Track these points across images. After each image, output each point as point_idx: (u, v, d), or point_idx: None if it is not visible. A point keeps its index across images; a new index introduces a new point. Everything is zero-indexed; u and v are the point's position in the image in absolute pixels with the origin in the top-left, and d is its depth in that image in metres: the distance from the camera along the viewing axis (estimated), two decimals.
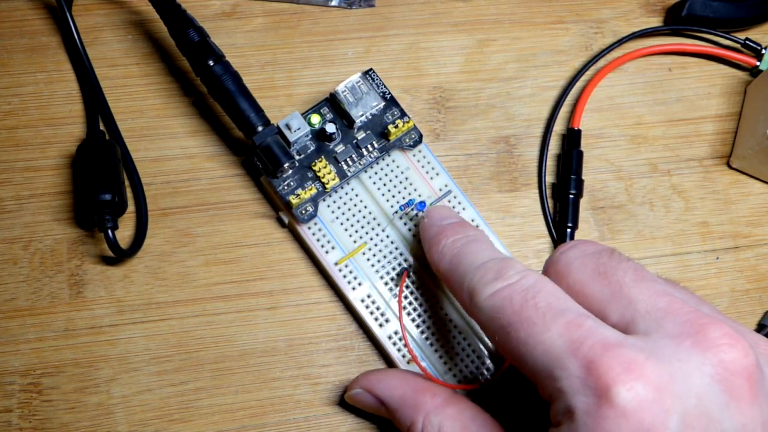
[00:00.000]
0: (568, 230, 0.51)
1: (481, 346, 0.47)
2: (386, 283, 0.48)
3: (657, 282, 0.36)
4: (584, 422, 0.32)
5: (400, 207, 0.49)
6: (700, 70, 0.56)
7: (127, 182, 0.50)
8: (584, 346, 0.33)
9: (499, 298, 0.37)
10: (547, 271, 0.39)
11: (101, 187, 0.47)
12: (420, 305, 0.47)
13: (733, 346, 0.33)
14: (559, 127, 0.54)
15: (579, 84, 0.55)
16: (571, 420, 0.33)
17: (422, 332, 0.47)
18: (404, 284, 0.48)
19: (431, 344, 0.47)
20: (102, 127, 0.51)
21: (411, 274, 0.48)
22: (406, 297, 0.47)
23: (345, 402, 0.46)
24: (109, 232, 0.46)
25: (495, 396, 0.46)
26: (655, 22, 0.57)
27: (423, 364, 0.46)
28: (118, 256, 0.47)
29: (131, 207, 0.50)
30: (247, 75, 0.49)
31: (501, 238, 0.50)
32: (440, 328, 0.47)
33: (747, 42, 0.55)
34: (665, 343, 0.33)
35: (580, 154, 0.52)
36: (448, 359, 0.46)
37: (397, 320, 0.47)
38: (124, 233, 0.49)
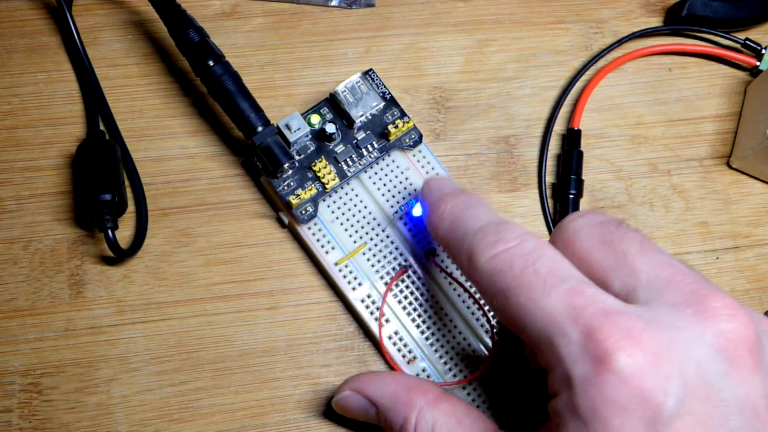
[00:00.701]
0: None
1: (481, 347, 0.47)
2: (386, 283, 0.48)
3: (662, 254, 0.36)
4: (583, 389, 0.32)
5: (399, 207, 0.49)
6: (700, 70, 0.56)
7: (127, 182, 0.50)
8: (584, 313, 0.33)
9: (499, 261, 0.36)
10: (554, 238, 0.39)
11: (101, 187, 0.47)
12: (420, 305, 0.47)
13: (735, 317, 0.33)
14: (559, 127, 0.54)
15: (579, 84, 0.55)
16: (569, 388, 0.33)
17: (422, 332, 0.47)
18: (397, 279, 0.48)
19: (431, 344, 0.47)
20: (102, 127, 0.51)
21: (411, 273, 0.48)
22: (406, 297, 0.47)
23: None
24: (109, 232, 0.46)
25: (487, 389, 0.46)
26: (655, 22, 0.57)
27: (423, 364, 0.46)
28: (118, 256, 0.47)
29: (131, 207, 0.50)
30: (247, 75, 0.49)
31: None
32: (440, 328, 0.47)
33: (747, 42, 0.55)
34: (666, 312, 0.33)
35: (580, 154, 0.52)
36: (448, 359, 0.47)
37: (397, 320, 0.47)
38: (124, 233, 0.49)
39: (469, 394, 0.46)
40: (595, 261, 0.37)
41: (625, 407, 0.31)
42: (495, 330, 0.47)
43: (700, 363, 0.32)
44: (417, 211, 0.48)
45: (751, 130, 0.52)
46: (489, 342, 0.47)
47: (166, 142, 0.52)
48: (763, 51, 0.55)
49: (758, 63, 0.55)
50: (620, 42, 0.55)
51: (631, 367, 0.31)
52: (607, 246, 0.37)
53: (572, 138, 0.53)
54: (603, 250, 0.37)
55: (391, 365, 0.46)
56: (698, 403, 0.31)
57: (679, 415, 0.31)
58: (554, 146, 0.54)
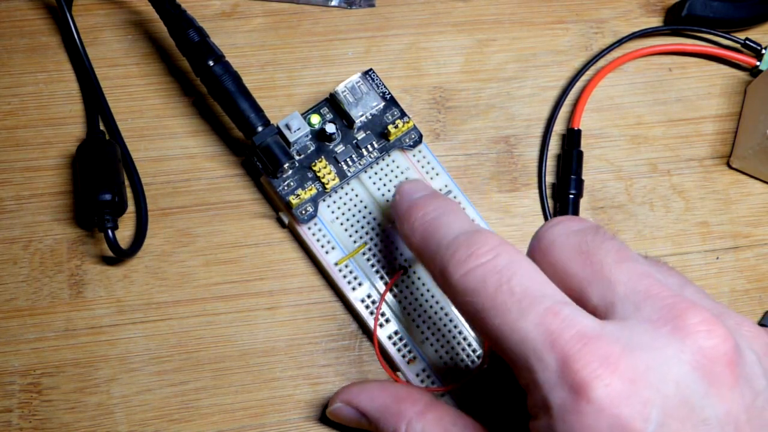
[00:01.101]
0: None
1: (481, 347, 0.47)
2: (386, 283, 0.48)
3: (639, 262, 0.35)
4: (561, 417, 0.32)
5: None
6: (700, 70, 0.56)
7: (127, 182, 0.50)
8: (561, 340, 0.32)
9: (472, 278, 0.35)
10: (531, 248, 0.38)
11: (101, 187, 0.47)
12: (420, 305, 0.47)
13: (713, 332, 0.32)
14: (559, 127, 0.54)
15: (579, 84, 0.55)
16: (548, 414, 0.32)
17: (422, 332, 0.47)
18: (396, 279, 0.48)
19: (431, 344, 0.47)
20: (102, 127, 0.51)
21: (411, 274, 0.48)
22: (406, 297, 0.47)
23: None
24: (109, 232, 0.46)
25: (476, 394, 0.46)
26: (655, 22, 0.57)
27: (423, 364, 0.46)
28: (118, 256, 0.47)
29: (131, 207, 0.50)
30: (247, 75, 0.49)
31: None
32: (440, 329, 0.47)
33: (747, 42, 0.55)
34: (643, 329, 0.33)
35: (580, 154, 0.52)
36: (448, 359, 0.46)
37: (397, 320, 0.47)
38: (124, 233, 0.49)
39: (466, 396, 0.46)
40: (572, 273, 0.36)
41: None
42: None
43: (679, 383, 0.32)
44: None
45: (751, 130, 0.52)
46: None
47: (166, 142, 0.52)
48: (763, 51, 0.55)
49: (758, 63, 0.55)
50: (620, 42, 0.55)
51: (609, 396, 0.31)
52: (584, 257, 0.36)
53: (572, 138, 0.53)
54: (579, 261, 0.36)
55: (384, 368, 0.45)
56: (679, 425, 0.31)
57: (747, 409, 0.32)
58: (554, 146, 0.54)
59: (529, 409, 0.34)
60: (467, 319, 0.37)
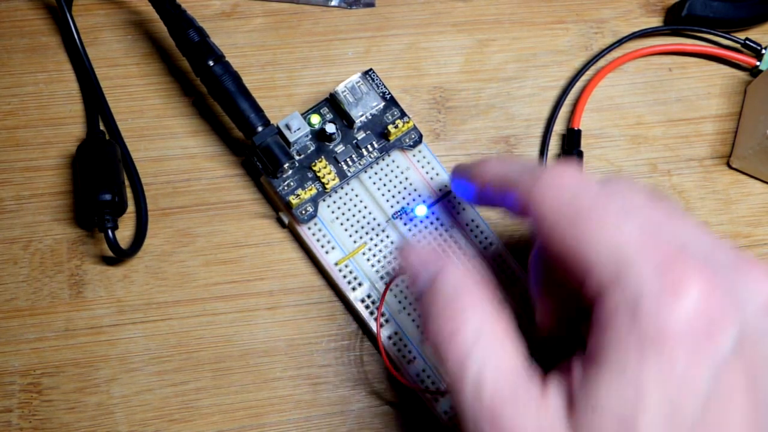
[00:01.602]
0: None
1: None
2: (386, 283, 0.48)
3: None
4: (653, 309, 0.32)
5: (393, 215, 0.49)
6: (700, 70, 0.56)
7: (127, 182, 0.50)
8: (659, 245, 0.33)
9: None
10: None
11: (101, 187, 0.47)
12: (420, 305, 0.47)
13: None
14: (559, 127, 0.54)
15: (579, 84, 0.55)
16: (635, 310, 0.32)
17: (422, 332, 0.47)
18: (396, 280, 0.48)
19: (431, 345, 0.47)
20: (102, 127, 0.51)
21: None
22: (406, 297, 0.47)
23: (346, 400, 0.47)
24: (109, 232, 0.46)
25: None
26: (655, 22, 0.57)
27: (423, 364, 0.46)
28: (118, 256, 0.47)
29: (131, 207, 0.50)
30: (247, 75, 0.49)
31: (501, 239, 0.50)
32: None
33: (747, 42, 0.55)
34: (725, 266, 0.34)
35: (581, 154, 0.52)
36: None
37: (397, 320, 0.47)
38: (124, 233, 0.49)
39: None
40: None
41: (690, 334, 0.31)
42: None
43: (755, 316, 0.33)
44: (420, 211, 0.49)
45: (751, 130, 0.52)
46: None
47: (166, 142, 0.52)
48: (763, 51, 0.55)
49: (758, 63, 0.55)
50: (620, 42, 0.55)
51: (706, 299, 0.32)
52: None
53: (572, 138, 0.53)
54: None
55: (388, 367, 0.45)
56: (751, 351, 0.32)
57: (734, 357, 0.32)
58: (554, 146, 0.54)
59: (595, 321, 0.34)
60: (545, 233, 0.37)
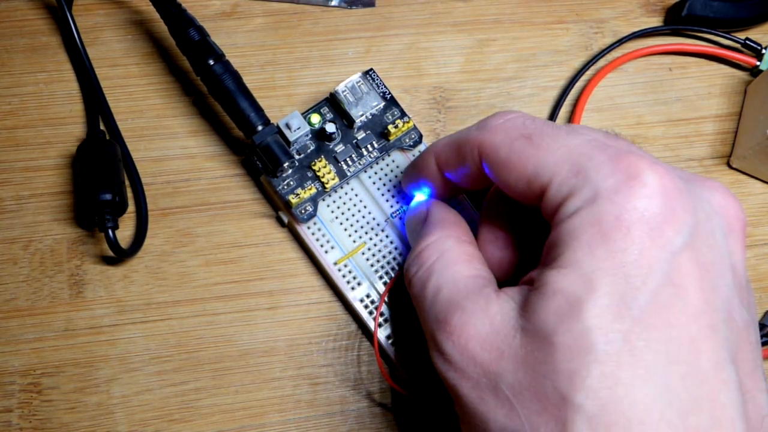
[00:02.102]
0: None
1: None
2: (385, 283, 0.48)
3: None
4: (611, 198, 0.33)
5: (392, 214, 0.49)
6: (700, 70, 0.56)
7: (127, 182, 0.50)
8: (613, 145, 0.34)
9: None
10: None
11: (101, 186, 0.47)
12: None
13: (733, 199, 0.36)
14: None
15: (579, 84, 0.55)
16: (593, 201, 0.33)
17: (422, 332, 0.47)
18: (396, 280, 0.48)
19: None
20: (102, 127, 0.51)
21: None
22: (405, 297, 0.47)
23: (346, 400, 0.47)
24: (110, 231, 0.46)
25: None
26: (655, 22, 0.57)
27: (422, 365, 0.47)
28: (118, 256, 0.47)
29: (131, 207, 0.50)
30: (247, 75, 0.49)
31: None
32: None
33: (747, 42, 0.55)
34: (678, 171, 0.35)
35: None
36: None
37: (396, 321, 0.47)
38: (124, 233, 0.49)
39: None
40: None
41: (647, 221, 0.32)
42: None
43: (708, 217, 0.34)
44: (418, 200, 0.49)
45: (751, 130, 0.52)
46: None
47: (166, 142, 0.52)
48: (763, 51, 0.55)
49: (758, 63, 0.55)
50: (620, 42, 0.55)
51: (661, 187, 0.32)
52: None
53: None
54: None
55: (381, 371, 0.45)
56: (704, 248, 0.33)
57: (688, 248, 0.32)
58: None
59: (557, 222, 0.35)
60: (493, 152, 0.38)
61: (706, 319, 0.32)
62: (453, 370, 0.36)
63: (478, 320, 0.36)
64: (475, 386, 0.35)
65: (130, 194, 0.50)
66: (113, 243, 0.46)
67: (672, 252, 0.32)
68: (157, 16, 0.49)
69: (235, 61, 0.49)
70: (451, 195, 0.45)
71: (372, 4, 0.56)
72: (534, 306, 0.33)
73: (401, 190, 0.49)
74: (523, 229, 0.42)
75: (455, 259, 0.40)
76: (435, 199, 0.45)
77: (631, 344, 0.31)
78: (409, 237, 0.47)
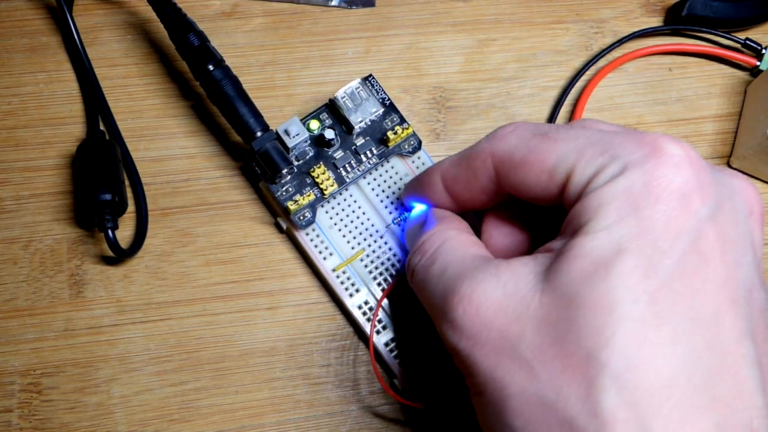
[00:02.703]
0: None
1: None
2: (384, 290, 0.48)
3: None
4: (639, 168, 0.33)
5: (392, 221, 0.49)
6: (700, 70, 0.56)
7: (127, 182, 0.50)
8: (635, 133, 0.35)
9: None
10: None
11: (101, 186, 0.47)
12: (417, 313, 0.47)
13: (753, 189, 0.36)
14: None
15: (579, 84, 0.55)
16: (620, 174, 0.33)
17: (419, 339, 0.47)
18: (393, 287, 0.48)
19: (429, 352, 0.47)
20: (102, 127, 0.51)
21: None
22: (403, 304, 0.47)
23: (346, 400, 0.47)
24: (109, 231, 0.46)
25: None
26: (655, 22, 0.57)
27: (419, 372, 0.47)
28: (118, 256, 0.47)
29: (131, 207, 0.50)
30: (247, 75, 0.49)
31: None
32: (437, 336, 0.47)
33: (747, 42, 0.55)
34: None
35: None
36: (445, 367, 0.47)
37: (394, 328, 0.47)
38: (124, 233, 0.49)
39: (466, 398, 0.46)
40: None
41: (675, 188, 0.32)
42: None
43: (731, 196, 0.34)
44: (418, 210, 0.48)
45: (751, 130, 0.52)
46: None
47: (166, 142, 0.52)
48: (763, 51, 0.55)
49: (758, 63, 0.55)
50: (620, 42, 0.55)
51: (688, 158, 0.33)
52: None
53: None
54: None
55: (377, 377, 0.46)
56: (727, 223, 0.33)
57: (713, 220, 0.33)
58: None
59: (579, 206, 0.35)
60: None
61: (729, 292, 0.33)
62: (465, 338, 0.36)
63: (489, 285, 0.35)
64: (491, 351, 0.35)
65: (130, 194, 0.50)
66: (113, 243, 0.46)
67: (699, 220, 0.32)
68: (156, 16, 0.49)
69: (235, 62, 0.49)
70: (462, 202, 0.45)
71: (372, 4, 0.55)
72: (557, 268, 0.33)
73: (400, 197, 0.49)
74: (530, 220, 0.42)
75: (459, 245, 0.40)
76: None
77: (657, 306, 0.31)
78: (409, 244, 0.47)
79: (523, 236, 0.42)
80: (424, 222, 0.44)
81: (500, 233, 0.42)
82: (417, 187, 0.45)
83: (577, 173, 0.35)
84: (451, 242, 0.40)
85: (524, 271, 0.35)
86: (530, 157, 0.37)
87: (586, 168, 0.34)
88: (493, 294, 0.35)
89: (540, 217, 0.41)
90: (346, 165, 0.49)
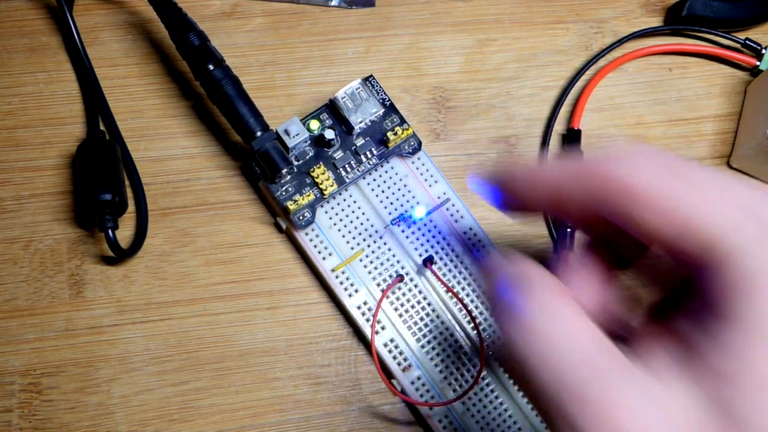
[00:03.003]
0: (568, 230, 0.51)
1: (476, 356, 0.47)
2: (383, 291, 0.48)
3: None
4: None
5: (391, 222, 0.49)
6: (700, 70, 0.56)
7: (127, 182, 0.50)
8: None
9: None
10: None
11: (101, 186, 0.47)
12: (416, 313, 0.47)
13: None
14: (559, 127, 0.54)
15: (579, 84, 0.55)
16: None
17: (418, 340, 0.47)
18: (393, 287, 0.48)
19: (427, 352, 0.47)
20: (102, 127, 0.51)
21: (408, 281, 0.48)
22: (402, 305, 0.48)
23: (346, 400, 0.48)
24: (110, 231, 0.46)
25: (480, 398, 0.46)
26: (655, 22, 0.57)
27: (418, 372, 0.47)
28: (118, 256, 0.47)
29: (131, 207, 0.50)
30: (247, 75, 0.49)
31: (501, 239, 0.50)
32: (436, 336, 0.47)
33: (747, 42, 0.55)
34: None
35: (581, 153, 0.52)
36: (443, 368, 0.47)
37: (393, 328, 0.47)
38: (124, 233, 0.49)
39: (469, 404, 0.46)
40: None
41: None
42: (485, 343, 0.47)
43: None
44: (419, 212, 0.48)
45: (751, 130, 0.52)
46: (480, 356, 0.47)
47: (166, 142, 0.52)
48: (763, 51, 0.55)
49: (758, 63, 0.55)
50: (620, 42, 0.55)
51: None
52: None
53: (572, 138, 0.53)
54: None
55: (380, 375, 0.45)
56: None
57: None
58: (554, 146, 0.54)
59: (711, 290, 0.28)
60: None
61: None
62: None
63: (639, 402, 0.27)
64: None
65: (130, 194, 0.50)
66: (113, 243, 0.46)
67: None
68: (157, 16, 0.49)
69: (235, 61, 0.49)
70: (517, 213, 0.36)
71: (372, 4, 0.55)
72: (731, 400, 0.26)
73: (400, 198, 0.49)
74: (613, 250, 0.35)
75: (562, 316, 0.31)
76: (518, 259, 0.34)
77: None
78: (491, 306, 0.37)
79: (607, 278, 0.35)
80: (506, 282, 0.35)
81: (590, 285, 0.34)
82: (504, 177, 0.36)
83: (719, 237, 0.29)
84: (553, 314, 0.31)
85: (686, 397, 0.27)
86: (659, 200, 0.30)
87: (733, 235, 0.28)
88: (641, 420, 0.27)
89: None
90: (346, 165, 0.49)
